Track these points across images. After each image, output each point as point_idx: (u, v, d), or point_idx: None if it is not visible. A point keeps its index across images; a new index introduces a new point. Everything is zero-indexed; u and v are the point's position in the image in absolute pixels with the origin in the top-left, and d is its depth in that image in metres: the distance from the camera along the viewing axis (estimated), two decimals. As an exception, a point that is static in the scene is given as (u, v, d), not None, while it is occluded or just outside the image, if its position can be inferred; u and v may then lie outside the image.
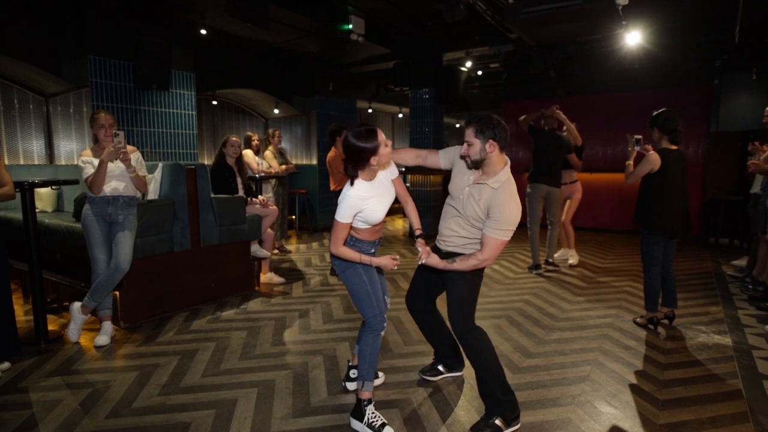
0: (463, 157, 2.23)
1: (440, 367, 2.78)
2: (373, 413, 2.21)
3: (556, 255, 5.77)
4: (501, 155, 2.19)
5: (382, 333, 2.30)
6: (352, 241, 2.27)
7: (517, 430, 2.23)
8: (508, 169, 2.21)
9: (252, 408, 2.43)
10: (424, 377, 2.75)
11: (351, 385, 2.63)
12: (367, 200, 2.15)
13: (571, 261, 5.51)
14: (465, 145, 2.18)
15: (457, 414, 2.38)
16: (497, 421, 2.20)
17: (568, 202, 5.61)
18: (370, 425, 2.18)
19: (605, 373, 2.81)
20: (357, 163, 2.11)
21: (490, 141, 2.12)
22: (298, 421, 2.31)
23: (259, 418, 2.34)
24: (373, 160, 2.10)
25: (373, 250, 2.35)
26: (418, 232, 2.36)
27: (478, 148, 2.15)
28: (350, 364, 2.70)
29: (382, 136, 2.13)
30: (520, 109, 8.83)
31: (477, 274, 2.33)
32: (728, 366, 2.92)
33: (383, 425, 2.18)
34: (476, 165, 2.20)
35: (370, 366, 2.24)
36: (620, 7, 4.46)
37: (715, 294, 4.42)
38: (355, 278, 2.25)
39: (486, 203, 2.17)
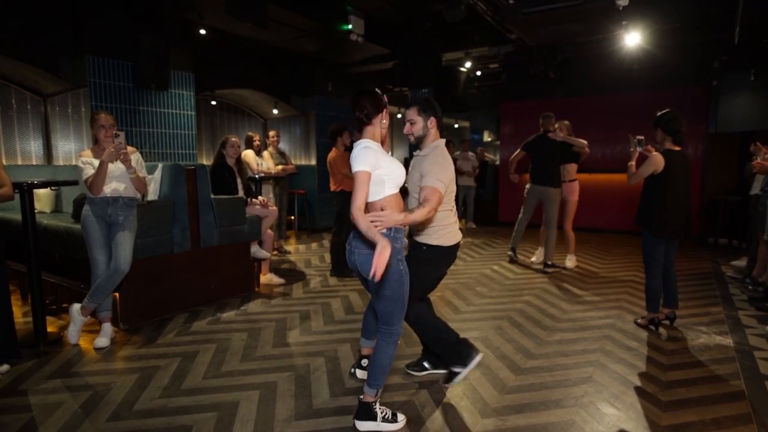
0: (408, 136, 2.49)
1: (426, 364, 2.81)
2: (381, 409, 2.25)
3: (533, 258, 5.78)
4: (437, 132, 2.50)
5: (398, 342, 2.27)
6: (391, 233, 2.12)
7: (473, 364, 2.55)
8: (439, 141, 2.48)
9: (254, 410, 2.42)
10: (408, 371, 2.81)
11: (360, 373, 2.72)
12: (379, 153, 2.13)
13: (568, 264, 5.48)
14: (408, 124, 2.47)
15: (461, 416, 2.37)
16: (455, 369, 2.58)
17: (565, 204, 5.49)
18: (384, 419, 2.23)
19: (608, 374, 2.81)
20: (372, 111, 2.19)
21: (431, 118, 2.46)
22: (301, 424, 2.30)
23: (262, 420, 2.33)
24: (381, 117, 2.23)
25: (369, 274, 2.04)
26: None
27: (420, 125, 2.46)
28: (362, 354, 2.75)
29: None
30: (518, 110, 8.87)
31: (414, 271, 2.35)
32: (730, 367, 2.92)
33: (395, 414, 2.28)
34: (419, 141, 2.50)
35: (380, 375, 2.22)
36: (620, 8, 4.47)
37: (715, 295, 4.43)
38: (397, 284, 2.13)
39: (419, 170, 2.40)
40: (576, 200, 5.49)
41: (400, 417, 2.28)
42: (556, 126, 5.28)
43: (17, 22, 4.96)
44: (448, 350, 2.60)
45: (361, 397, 2.25)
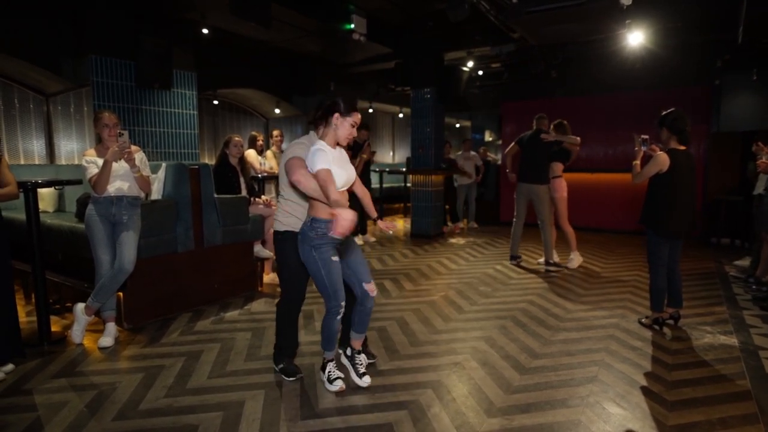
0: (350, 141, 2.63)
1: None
2: (331, 371, 2.65)
3: (540, 260, 5.72)
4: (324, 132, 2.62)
5: (339, 317, 2.55)
6: (310, 224, 2.43)
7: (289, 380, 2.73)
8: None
9: (260, 410, 2.41)
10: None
11: (344, 360, 2.84)
12: (329, 156, 2.36)
13: (572, 264, 5.47)
14: (354, 130, 2.53)
15: (466, 416, 2.36)
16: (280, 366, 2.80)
17: (554, 202, 5.42)
18: (328, 377, 2.64)
19: (613, 373, 2.80)
20: (324, 114, 2.47)
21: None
22: (307, 423, 2.30)
23: (267, 420, 2.33)
24: (335, 119, 2.44)
25: (330, 234, 2.29)
26: (375, 215, 2.79)
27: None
28: (352, 347, 2.79)
29: (357, 117, 2.50)
30: (520, 109, 8.86)
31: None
32: (735, 366, 2.91)
33: (337, 378, 2.62)
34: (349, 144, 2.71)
35: (328, 341, 2.62)
36: (623, 7, 4.46)
37: (718, 294, 4.42)
38: (313, 267, 2.46)
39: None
40: (564, 196, 5.44)
41: (337, 383, 2.60)
42: (550, 129, 5.28)
43: (20, 21, 4.96)
44: (280, 348, 2.83)
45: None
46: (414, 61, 7.38)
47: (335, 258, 2.46)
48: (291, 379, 2.73)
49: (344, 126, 2.46)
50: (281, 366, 2.79)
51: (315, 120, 2.53)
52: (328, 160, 2.35)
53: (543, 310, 3.95)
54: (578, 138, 5.26)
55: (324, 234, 2.39)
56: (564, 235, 5.51)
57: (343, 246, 2.58)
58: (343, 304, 2.51)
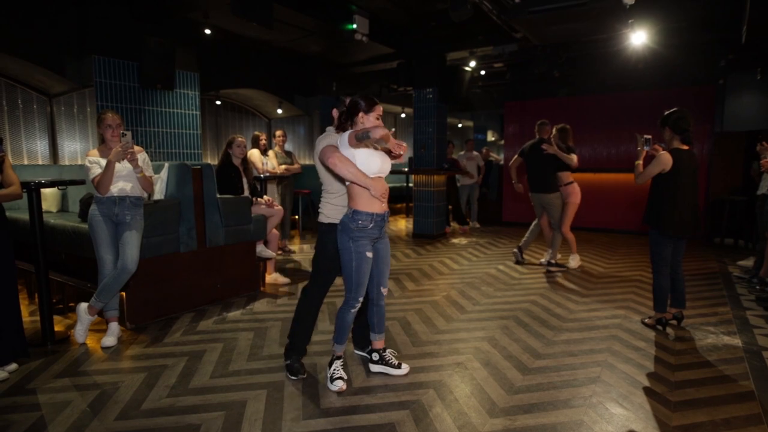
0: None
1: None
2: (336, 369, 2.66)
3: (542, 260, 5.69)
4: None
5: (354, 311, 2.62)
6: (351, 215, 2.48)
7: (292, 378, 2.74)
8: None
9: (262, 410, 2.42)
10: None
11: (374, 367, 2.86)
12: (357, 147, 2.41)
13: (571, 264, 5.47)
14: (380, 122, 2.54)
15: (468, 416, 2.36)
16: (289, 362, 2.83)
17: (564, 206, 5.41)
18: (331, 375, 2.64)
19: (616, 374, 2.80)
20: (348, 117, 2.54)
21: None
22: (309, 423, 2.30)
23: (270, 419, 2.33)
24: (360, 117, 2.49)
25: (371, 225, 2.48)
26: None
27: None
28: (374, 347, 2.86)
29: (380, 109, 2.54)
30: (522, 109, 8.85)
31: None
32: (739, 367, 2.90)
33: (338, 378, 2.62)
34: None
35: (340, 334, 2.66)
36: (627, 7, 4.45)
37: (722, 295, 4.40)
38: (346, 257, 2.53)
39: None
40: (576, 202, 5.40)
41: (338, 383, 2.60)
42: (553, 133, 5.26)
43: (23, 22, 4.98)
44: (293, 344, 2.84)
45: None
46: (416, 61, 7.37)
47: (369, 254, 2.53)
48: (293, 378, 2.74)
49: (370, 121, 2.51)
50: (288, 362, 2.82)
51: (340, 125, 2.59)
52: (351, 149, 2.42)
53: (546, 310, 3.94)
54: (574, 157, 5.18)
55: (364, 227, 2.47)
56: (564, 239, 5.52)
57: (380, 242, 2.64)
58: (361, 300, 2.59)
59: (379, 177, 2.50)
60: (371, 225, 2.48)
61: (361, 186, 2.42)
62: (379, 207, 2.50)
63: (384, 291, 2.74)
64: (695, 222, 3.38)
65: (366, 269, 2.54)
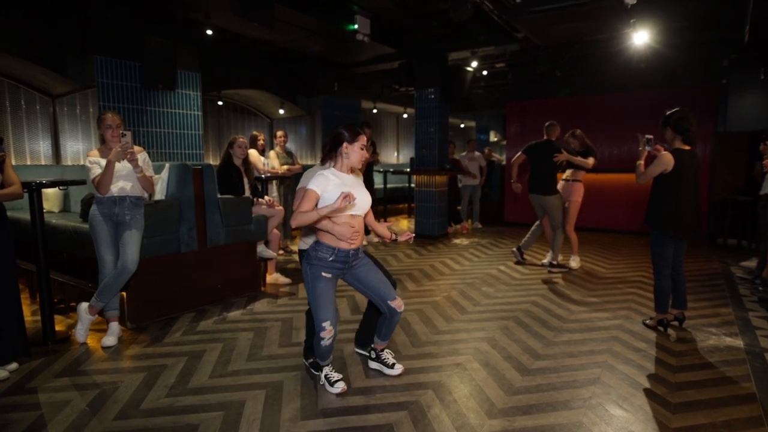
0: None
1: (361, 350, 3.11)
2: (329, 373, 2.65)
3: (544, 261, 5.68)
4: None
5: (324, 341, 2.51)
6: (313, 245, 2.52)
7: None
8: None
9: (260, 410, 2.42)
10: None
11: (373, 364, 2.90)
12: (331, 182, 2.41)
13: (572, 265, 5.46)
14: (365, 152, 2.52)
15: (467, 417, 2.35)
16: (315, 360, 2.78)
17: (566, 204, 5.39)
18: (328, 379, 2.63)
19: (616, 375, 2.78)
20: (332, 148, 2.51)
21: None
22: (307, 424, 2.30)
23: (268, 420, 2.33)
24: (344, 148, 2.46)
25: (331, 258, 2.47)
26: (389, 235, 2.78)
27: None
28: (375, 348, 2.89)
29: (364, 139, 2.49)
30: (524, 109, 8.83)
31: None
32: (741, 369, 2.88)
33: (338, 380, 2.61)
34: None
35: (320, 357, 2.63)
36: (629, 6, 4.43)
37: (724, 296, 4.38)
38: (305, 282, 2.55)
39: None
40: (578, 201, 5.37)
41: (339, 385, 2.60)
42: (567, 136, 5.24)
43: (26, 23, 5.00)
44: (309, 344, 2.84)
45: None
46: (418, 61, 7.37)
47: (325, 275, 2.48)
48: (317, 373, 2.75)
49: (354, 151, 2.48)
50: (311, 360, 2.85)
51: (325, 157, 2.56)
52: (323, 185, 2.40)
53: (546, 311, 3.93)
54: (591, 160, 5.16)
55: (324, 259, 2.47)
56: (567, 240, 5.50)
57: (356, 269, 2.60)
58: (325, 325, 2.45)
59: (353, 216, 2.46)
60: (331, 258, 2.46)
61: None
62: (347, 245, 2.46)
63: (396, 304, 2.64)
64: (696, 222, 3.36)
65: (324, 291, 2.47)
